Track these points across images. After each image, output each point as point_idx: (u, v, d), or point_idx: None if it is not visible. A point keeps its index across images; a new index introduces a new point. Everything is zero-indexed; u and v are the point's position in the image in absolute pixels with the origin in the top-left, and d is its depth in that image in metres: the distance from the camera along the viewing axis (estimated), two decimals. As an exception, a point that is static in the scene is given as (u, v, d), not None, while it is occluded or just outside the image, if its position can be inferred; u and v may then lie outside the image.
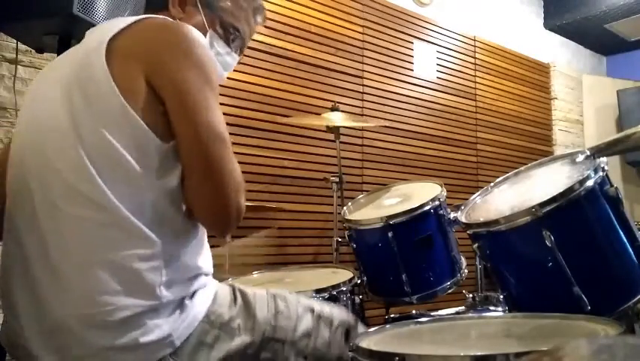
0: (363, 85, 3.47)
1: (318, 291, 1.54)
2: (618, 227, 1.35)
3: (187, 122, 0.93)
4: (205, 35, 1.14)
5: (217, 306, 1.01)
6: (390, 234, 1.81)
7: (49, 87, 0.99)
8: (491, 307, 1.94)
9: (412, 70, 3.77)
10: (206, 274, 1.04)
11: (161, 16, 1.03)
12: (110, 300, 0.87)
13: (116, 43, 0.94)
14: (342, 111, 2.70)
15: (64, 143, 0.92)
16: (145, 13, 1.10)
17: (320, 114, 2.79)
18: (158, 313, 0.91)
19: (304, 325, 1.10)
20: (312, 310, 1.13)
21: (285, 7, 3.13)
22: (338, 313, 1.17)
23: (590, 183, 1.32)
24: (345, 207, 2.13)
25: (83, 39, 1.06)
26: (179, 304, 0.95)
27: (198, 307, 0.98)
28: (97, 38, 0.97)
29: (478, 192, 1.70)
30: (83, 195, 0.90)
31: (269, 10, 3.03)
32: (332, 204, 2.67)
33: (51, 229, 0.91)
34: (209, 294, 1.02)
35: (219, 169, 0.95)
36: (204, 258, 1.05)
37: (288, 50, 3.10)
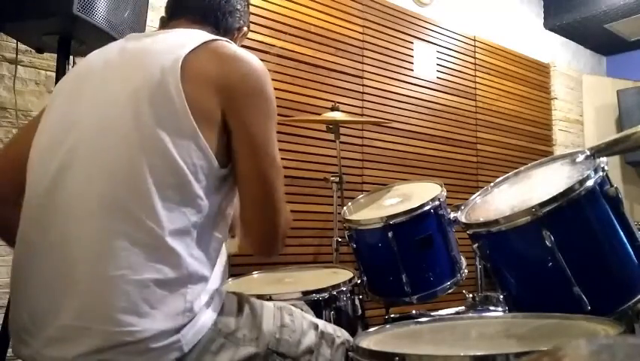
0: (363, 85, 3.47)
1: (318, 291, 1.54)
2: (618, 227, 1.35)
3: (253, 155, 1.00)
4: None
5: (225, 315, 1.01)
6: (390, 234, 1.81)
7: (107, 92, 0.98)
8: (491, 308, 1.93)
9: (412, 70, 3.77)
10: (220, 286, 1.05)
11: (229, 42, 1.06)
12: (133, 321, 0.86)
13: (189, 64, 0.96)
14: (343, 111, 2.70)
15: (129, 159, 0.91)
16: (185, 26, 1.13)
17: (320, 114, 2.79)
18: (172, 331, 0.90)
19: (307, 341, 1.10)
20: (317, 327, 1.13)
21: (285, 7, 3.13)
22: (341, 333, 1.18)
23: (590, 183, 1.32)
24: (345, 207, 2.13)
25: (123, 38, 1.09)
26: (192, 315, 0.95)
27: (207, 315, 0.97)
28: (167, 53, 0.98)
29: (478, 192, 1.70)
30: (130, 211, 0.89)
31: (269, 10, 3.04)
32: (332, 204, 2.66)
33: (85, 238, 0.90)
34: (218, 303, 1.01)
35: (275, 200, 1.03)
36: (223, 273, 1.05)
37: (288, 49, 3.10)
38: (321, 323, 1.16)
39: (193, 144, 0.93)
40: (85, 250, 0.89)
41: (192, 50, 0.98)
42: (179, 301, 0.91)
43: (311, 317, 1.18)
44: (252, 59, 1.05)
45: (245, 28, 1.25)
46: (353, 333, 1.39)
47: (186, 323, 0.92)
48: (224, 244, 1.08)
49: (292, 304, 1.22)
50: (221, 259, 1.06)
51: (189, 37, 1.02)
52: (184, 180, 0.92)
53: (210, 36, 1.04)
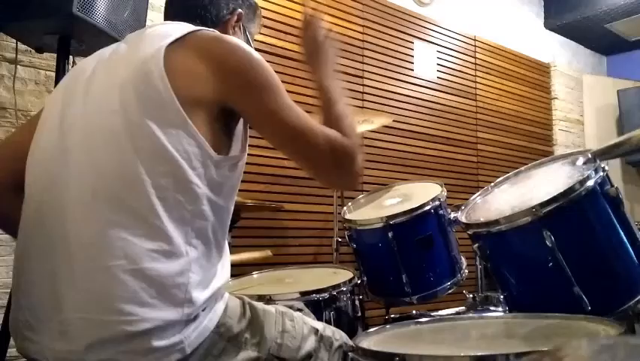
0: (364, 85, 3.47)
1: (318, 291, 1.54)
2: (618, 227, 1.35)
3: (277, 135, 1.05)
4: None
5: (227, 318, 1.01)
6: (390, 234, 1.80)
7: (97, 91, 0.99)
8: (492, 308, 1.94)
9: (413, 70, 3.77)
10: (222, 286, 1.04)
11: (212, 31, 1.05)
12: (133, 310, 0.86)
13: (174, 53, 0.96)
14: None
15: (118, 151, 0.92)
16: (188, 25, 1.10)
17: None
18: (175, 325, 0.90)
19: (307, 346, 1.09)
20: (317, 332, 1.13)
21: (285, 7, 3.13)
22: (339, 335, 1.17)
23: (590, 183, 1.32)
24: (345, 207, 2.13)
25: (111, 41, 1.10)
26: (195, 315, 0.94)
27: (211, 318, 0.97)
28: (151, 45, 0.98)
29: (479, 192, 1.70)
30: (124, 201, 0.89)
31: (269, 10, 3.04)
32: (332, 204, 2.67)
33: (82, 231, 0.90)
34: (221, 305, 1.01)
35: (311, 149, 1.03)
36: (225, 270, 1.05)
37: (288, 49, 3.10)
38: (321, 327, 1.16)
39: (182, 132, 0.92)
40: (82, 244, 0.90)
41: (177, 40, 0.97)
42: (178, 290, 0.90)
43: (312, 321, 1.17)
44: (236, 41, 1.03)
45: (239, 10, 1.22)
46: (353, 333, 1.39)
47: (190, 320, 0.92)
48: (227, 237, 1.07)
49: (291, 305, 1.22)
50: (225, 257, 1.05)
51: (173, 29, 1.02)
52: (176, 167, 0.91)
53: (193, 27, 1.03)
